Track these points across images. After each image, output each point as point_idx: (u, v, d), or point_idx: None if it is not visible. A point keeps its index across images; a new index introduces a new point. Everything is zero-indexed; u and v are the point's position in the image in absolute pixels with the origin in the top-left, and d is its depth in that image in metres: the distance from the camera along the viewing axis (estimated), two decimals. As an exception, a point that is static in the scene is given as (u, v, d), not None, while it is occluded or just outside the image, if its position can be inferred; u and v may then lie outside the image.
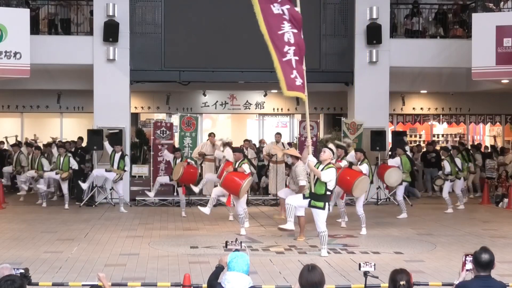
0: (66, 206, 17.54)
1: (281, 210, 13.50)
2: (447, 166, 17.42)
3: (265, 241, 12.42)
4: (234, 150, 13.97)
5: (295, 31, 11.59)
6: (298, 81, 11.62)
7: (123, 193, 17.45)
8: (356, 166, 13.78)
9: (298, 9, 11.71)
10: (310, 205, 11.13)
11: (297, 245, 11.96)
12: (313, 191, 11.08)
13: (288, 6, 11.57)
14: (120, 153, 17.26)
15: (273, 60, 11.55)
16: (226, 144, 16.51)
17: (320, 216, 11.06)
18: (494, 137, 25.16)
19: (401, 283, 5.03)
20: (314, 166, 11.08)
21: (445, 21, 21.55)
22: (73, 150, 20.12)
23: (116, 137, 18.52)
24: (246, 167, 13.04)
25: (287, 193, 13.40)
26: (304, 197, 11.28)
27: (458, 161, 17.65)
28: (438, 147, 22.57)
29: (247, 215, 14.13)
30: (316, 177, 11.03)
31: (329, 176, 10.91)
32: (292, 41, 11.55)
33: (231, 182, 12.89)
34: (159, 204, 18.21)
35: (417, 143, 24.67)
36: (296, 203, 11.36)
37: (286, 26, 11.54)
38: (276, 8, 11.52)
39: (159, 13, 19.57)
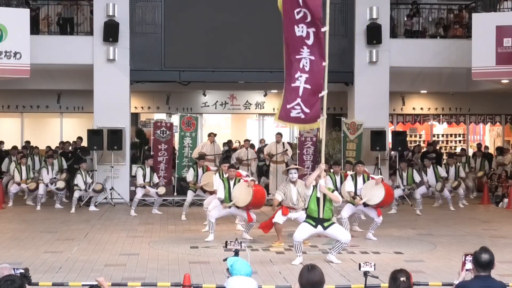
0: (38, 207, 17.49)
1: (278, 236, 12.24)
2: (403, 178, 17.31)
3: (265, 241, 12.41)
4: (230, 166, 13.31)
5: (312, 58, 10.81)
6: (295, 112, 10.91)
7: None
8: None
9: (325, 29, 10.88)
10: (324, 228, 10.45)
11: (275, 246, 11.85)
12: (321, 216, 10.41)
13: (313, 30, 10.79)
14: (149, 168, 16.97)
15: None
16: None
17: (339, 229, 10.63)
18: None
19: (402, 279, 5.05)
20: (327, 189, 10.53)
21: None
22: (72, 150, 20.15)
23: (115, 136, 18.55)
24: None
25: (283, 219, 12.18)
26: (314, 226, 10.55)
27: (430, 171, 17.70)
28: (438, 147, 22.64)
29: None
30: (324, 202, 10.39)
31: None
32: (307, 68, 10.83)
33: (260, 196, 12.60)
34: (159, 204, 18.18)
35: (417, 143, 24.67)
36: (302, 237, 10.56)
37: (305, 52, 10.81)
38: (299, 30, 10.79)
39: (159, 13, 19.56)
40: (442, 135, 25.64)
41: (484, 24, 18.38)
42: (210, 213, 12.99)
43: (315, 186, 10.46)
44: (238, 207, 12.65)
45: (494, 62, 18.15)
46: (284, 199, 11.99)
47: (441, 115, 25.02)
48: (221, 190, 12.75)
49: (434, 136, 25.30)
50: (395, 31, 20.98)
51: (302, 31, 10.79)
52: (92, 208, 17.25)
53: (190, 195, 15.96)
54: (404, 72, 21.10)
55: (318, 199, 10.43)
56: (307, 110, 10.88)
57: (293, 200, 11.96)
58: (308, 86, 10.85)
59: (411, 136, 25.13)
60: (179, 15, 19.48)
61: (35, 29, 19.22)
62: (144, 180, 16.68)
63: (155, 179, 17.06)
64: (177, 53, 19.40)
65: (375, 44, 19.45)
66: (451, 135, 25.66)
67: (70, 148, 20.77)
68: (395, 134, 20.61)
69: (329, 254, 10.60)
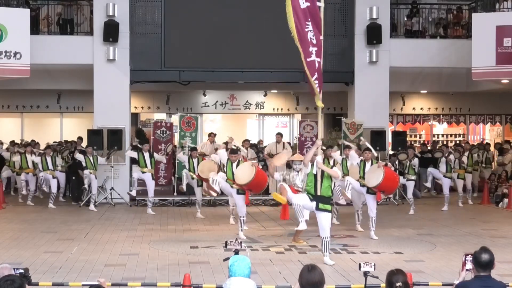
0: (51, 205, 17.64)
1: (298, 235, 12.43)
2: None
3: (265, 241, 12.42)
4: (231, 152, 13.60)
5: (316, 30, 10.94)
6: (316, 86, 11.16)
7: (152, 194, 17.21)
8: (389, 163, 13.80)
9: (321, 4, 11.11)
10: (318, 208, 10.52)
11: (297, 245, 11.96)
12: (319, 193, 10.49)
13: (308, 4, 10.89)
14: (147, 152, 17.11)
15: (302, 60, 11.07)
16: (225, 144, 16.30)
17: (328, 220, 10.56)
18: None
19: (397, 285, 4.99)
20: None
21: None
22: (72, 150, 20.11)
23: (115, 136, 18.53)
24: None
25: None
26: (311, 200, 10.67)
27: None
28: (438, 147, 22.59)
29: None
30: (322, 179, 10.49)
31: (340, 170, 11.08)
32: (314, 41, 10.95)
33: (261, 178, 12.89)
34: (159, 204, 18.20)
35: (416, 143, 24.66)
36: (302, 202, 10.76)
37: (310, 25, 10.88)
38: (302, 2, 10.83)
39: (159, 13, 19.56)
40: (442, 135, 25.64)
41: (484, 24, 18.38)
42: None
43: (312, 164, 10.61)
44: (238, 190, 12.91)
45: (494, 62, 18.16)
46: (281, 180, 12.45)
47: (441, 115, 25.03)
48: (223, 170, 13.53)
49: (434, 136, 25.30)
50: (395, 31, 20.99)
51: (304, 3, 10.89)
52: (91, 207, 17.25)
53: (198, 192, 16.19)
54: (404, 72, 21.09)
55: (315, 176, 10.57)
56: (319, 84, 11.12)
57: (298, 185, 12.14)
58: (319, 60, 11.03)
59: (411, 136, 25.12)
60: (179, 15, 19.48)
61: (35, 29, 19.22)
62: (146, 166, 16.91)
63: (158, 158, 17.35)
64: (177, 53, 19.40)
65: (375, 44, 19.45)
66: (451, 135, 25.66)
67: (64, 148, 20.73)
68: (395, 134, 20.61)
69: (324, 258, 10.48)
